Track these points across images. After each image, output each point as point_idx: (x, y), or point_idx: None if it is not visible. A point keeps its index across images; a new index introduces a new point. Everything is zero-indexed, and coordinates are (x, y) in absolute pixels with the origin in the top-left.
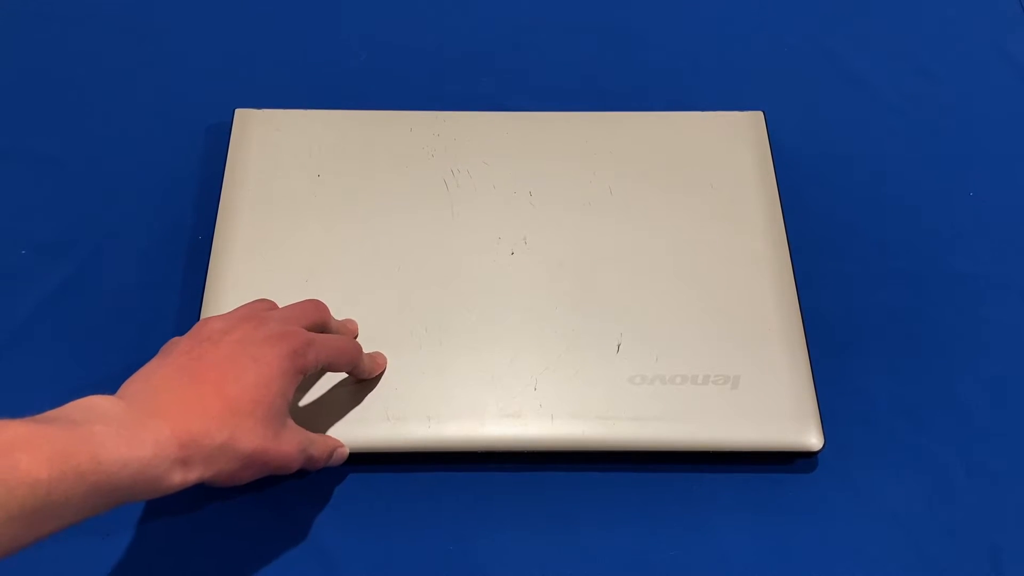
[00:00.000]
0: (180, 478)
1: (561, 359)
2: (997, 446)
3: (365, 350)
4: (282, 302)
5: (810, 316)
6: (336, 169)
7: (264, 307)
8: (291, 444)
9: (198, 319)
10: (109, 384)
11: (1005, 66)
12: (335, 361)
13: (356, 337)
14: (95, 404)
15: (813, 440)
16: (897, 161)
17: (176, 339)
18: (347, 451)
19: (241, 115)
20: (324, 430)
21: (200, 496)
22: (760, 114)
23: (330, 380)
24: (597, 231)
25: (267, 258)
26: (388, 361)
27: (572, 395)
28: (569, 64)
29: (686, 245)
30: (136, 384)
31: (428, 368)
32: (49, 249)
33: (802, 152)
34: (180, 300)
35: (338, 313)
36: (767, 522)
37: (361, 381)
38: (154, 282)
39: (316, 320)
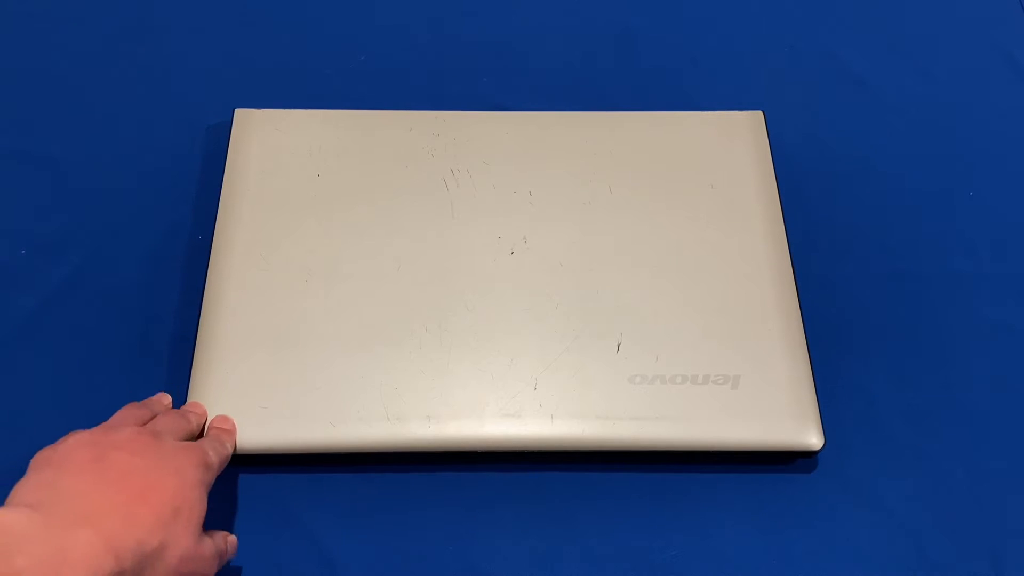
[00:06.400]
0: None
1: (561, 359)
2: (997, 446)
3: (369, 349)
4: (282, 301)
5: (810, 316)
6: (336, 169)
7: (138, 415)
8: (209, 548)
9: (198, 319)
10: (108, 384)
11: (1005, 66)
12: (227, 458)
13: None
14: (9, 526)
15: (813, 440)
16: (897, 161)
17: (62, 449)
18: (235, 540)
19: (241, 115)
20: (324, 429)
21: None
22: (760, 114)
23: (329, 379)
24: (597, 231)
25: (267, 258)
26: (389, 360)
27: (572, 395)
28: (569, 64)
29: (686, 245)
30: (43, 491)
31: (428, 368)
32: (49, 249)
33: (802, 152)
34: (180, 300)
35: (339, 310)
36: (767, 522)
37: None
38: (154, 282)
39: (187, 430)
